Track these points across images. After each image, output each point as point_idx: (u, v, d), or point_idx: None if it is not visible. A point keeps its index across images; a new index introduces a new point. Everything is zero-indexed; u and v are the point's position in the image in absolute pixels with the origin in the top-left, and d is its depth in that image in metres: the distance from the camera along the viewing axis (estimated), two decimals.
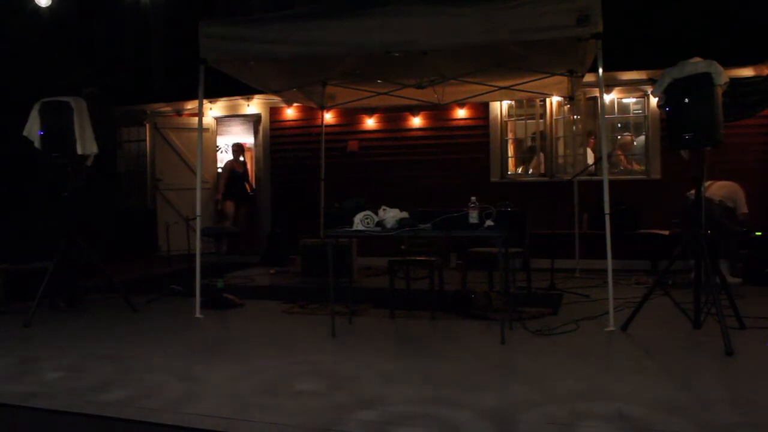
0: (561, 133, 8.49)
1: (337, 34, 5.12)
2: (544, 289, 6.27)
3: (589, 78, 6.55)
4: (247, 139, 11.58)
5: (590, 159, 8.30)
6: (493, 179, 8.71)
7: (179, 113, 10.06)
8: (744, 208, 6.52)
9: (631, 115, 8.59)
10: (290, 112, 9.64)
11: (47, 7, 7.70)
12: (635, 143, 8.55)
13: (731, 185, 6.61)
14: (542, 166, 8.64)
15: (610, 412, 2.96)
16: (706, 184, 6.55)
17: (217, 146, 10.66)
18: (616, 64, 7.04)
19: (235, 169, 9.74)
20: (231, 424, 2.91)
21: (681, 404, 3.05)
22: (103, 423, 3.01)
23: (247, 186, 9.98)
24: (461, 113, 8.83)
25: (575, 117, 8.35)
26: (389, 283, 5.44)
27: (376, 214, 4.70)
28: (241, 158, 9.98)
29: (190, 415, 3.01)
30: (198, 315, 5.29)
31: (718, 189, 6.55)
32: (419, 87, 6.94)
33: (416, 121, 9.01)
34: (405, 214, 4.64)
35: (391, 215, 4.64)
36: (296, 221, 9.01)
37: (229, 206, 9.61)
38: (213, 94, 9.26)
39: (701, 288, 4.40)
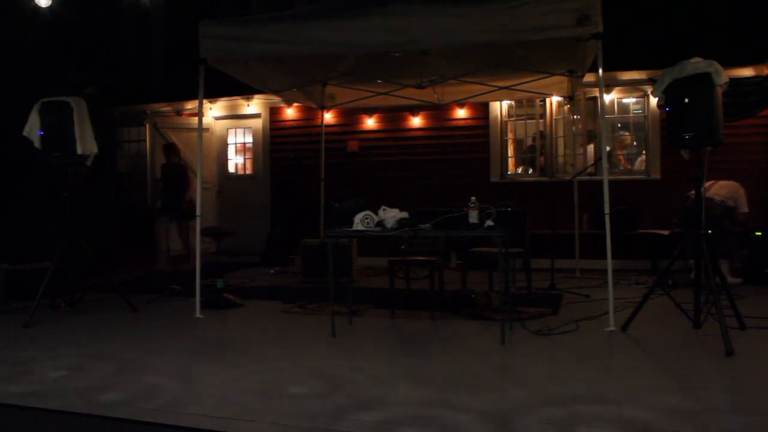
0: (561, 133, 8.49)
1: (337, 34, 5.12)
2: (544, 289, 6.27)
3: (589, 78, 6.55)
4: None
5: (590, 156, 8.31)
6: (493, 179, 8.71)
7: (179, 113, 10.05)
8: (744, 208, 6.52)
9: (631, 115, 8.59)
10: (290, 112, 9.64)
11: (47, 7, 7.70)
12: (635, 143, 8.56)
13: (732, 185, 6.61)
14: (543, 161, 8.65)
15: (610, 412, 2.96)
16: (708, 184, 6.56)
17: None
18: (616, 64, 7.04)
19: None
20: (231, 424, 2.91)
21: (681, 404, 3.05)
22: (103, 423, 3.00)
23: (187, 197, 8.42)
24: (461, 113, 8.83)
25: (575, 117, 8.36)
26: (389, 283, 5.44)
27: (376, 214, 4.70)
28: (177, 161, 8.72)
29: (190, 415, 3.01)
30: (198, 315, 5.29)
31: (719, 189, 6.56)
32: (419, 87, 6.94)
33: (416, 121, 9.01)
34: (405, 214, 4.64)
35: (391, 215, 4.64)
36: (296, 221, 9.02)
37: (159, 224, 8.29)
38: (213, 94, 9.26)
39: (701, 288, 4.40)
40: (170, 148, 8.88)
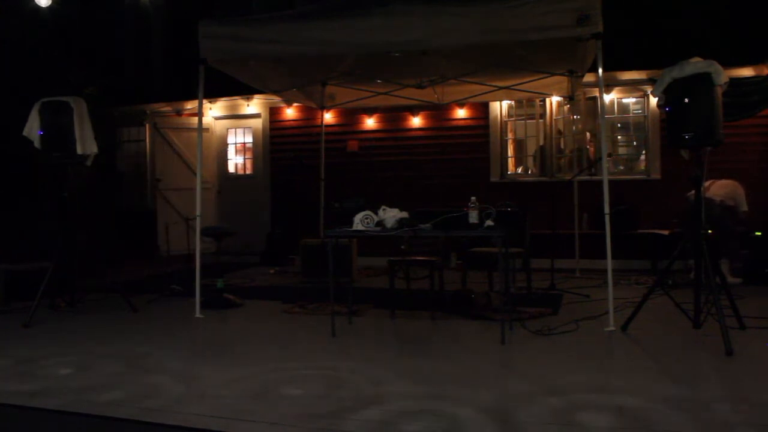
0: (561, 133, 8.49)
1: (337, 34, 5.12)
2: (544, 289, 6.27)
3: (589, 78, 6.55)
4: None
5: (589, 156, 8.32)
6: (493, 179, 8.70)
7: (179, 113, 10.05)
8: (744, 207, 6.52)
9: (631, 115, 8.59)
10: (290, 112, 9.64)
11: (47, 8, 7.70)
12: (634, 142, 8.57)
13: (731, 184, 6.61)
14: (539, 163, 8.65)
15: (609, 412, 2.96)
16: (707, 183, 6.55)
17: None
18: (616, 64, 7.04)
19: None
20: (231, 424, 2.91)
21: (681, 404, 3.05)
22: (103, 423, 3.01)
23: None
24: (461, 113, 8.83)
25: (575, 117, 8.35)
26: (389, 283, 5.44)
27: (376, 214, 4.70)
28: None
29: (190, 415, 3.01)
30: (198, 315, 5.29)
31: (718, 189, 6.55)
32: (419, 87, 6.94)
33: (416, 121, 9.01)
34: (405, 214, 4.64)
35: (391, 215, 4.64)
36: (296, 221, 9.02)
37: None
38: (213, 94, 9.26)
39: (701, 288, 4.40)
40: None
